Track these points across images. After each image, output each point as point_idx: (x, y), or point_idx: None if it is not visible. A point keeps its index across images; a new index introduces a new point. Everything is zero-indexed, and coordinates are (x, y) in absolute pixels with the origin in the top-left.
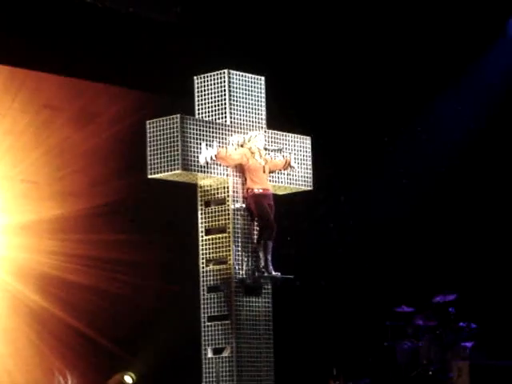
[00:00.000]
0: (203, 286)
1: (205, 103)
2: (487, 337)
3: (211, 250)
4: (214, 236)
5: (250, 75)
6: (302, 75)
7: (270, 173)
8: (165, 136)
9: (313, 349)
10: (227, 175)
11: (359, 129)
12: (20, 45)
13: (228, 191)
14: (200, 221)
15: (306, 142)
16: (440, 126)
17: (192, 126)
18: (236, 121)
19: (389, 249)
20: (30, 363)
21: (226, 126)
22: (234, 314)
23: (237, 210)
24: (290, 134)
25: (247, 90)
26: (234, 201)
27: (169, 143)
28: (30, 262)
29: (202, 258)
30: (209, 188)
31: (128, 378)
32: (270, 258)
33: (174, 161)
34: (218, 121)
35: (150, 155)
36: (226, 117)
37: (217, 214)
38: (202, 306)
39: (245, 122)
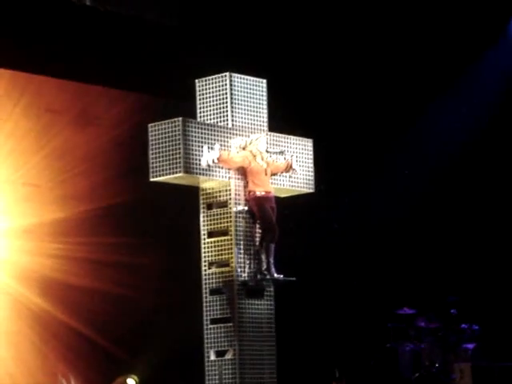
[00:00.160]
0: (206, 288)
1: (207, 106)
2: (489, 338)
3: (213, 253)
4: (216, 239)
5: (251, 78)
6: (304, 78)
7: (271, 175)
8: (167, 139)
9: (315, 351)
10: (229, 178)
11: (361, 131)
12: (21, 49)
13: (230, 194)
14: (202, 223)
15: (308, 144)
16: (441, 127)
17: (194, 129)
18: (238, 123)
19: (391, 251)
20: (32, 366)
21: (227, 128)
22: (236, 316)
23: (239, 212)
24: (292, 137)
25: (249, 93)
26: (235, 203)
27: (171, 146)
28: (32, 265)
29: (205, 261)
30: (211, 191)
31: (131, 381)
32: (272, 260)
33: (176, 164)
34: (219, 124)
35: (152, 158)
36: (227, 120)
37: (219, 216)
38: (205, 309)
39: (247, 125)
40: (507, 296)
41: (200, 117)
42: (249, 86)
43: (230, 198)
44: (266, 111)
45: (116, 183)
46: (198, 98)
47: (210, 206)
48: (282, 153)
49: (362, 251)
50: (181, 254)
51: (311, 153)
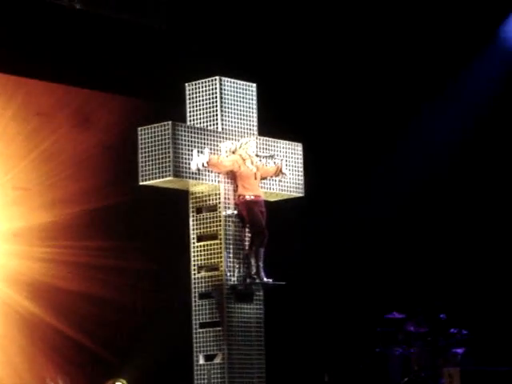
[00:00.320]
0: (195, 292)
1: (196, 110)
2: (478, 343)
3: (203, 257)
4: (205, 243)
5: (241, 82)
6: (294, 82)
7: (261, 179)
8: (156, 143)
9: (304, 355)
10: (219, 182)
11: (350, 135)
12: (10, 52)
13: (219, 198)
14: (191, 227)
15: (298, 148)
16: (432, 129)
17: (183, 133)
18: (227, 127)
19: (380, 255)
20: (20, 369)
21: (217, 132)
22: (225, 320)
23: (228, 216)
24: (282, 141)
25: (239, 97)
26: (225, 207)
27: (160, 150)
28: (21, 269)
29: (194, 265)
30: (200, 194)
31: None
32: (261, 264)
33: (166, 167)
34: (209, 127)
35: (142, 162)
36: (217, 123)
37: (208, 220)
38: (194, 313)
39: (236, 129)
40: (496, 301)
41: (190, 120)
42: (239, 90)
43: (220, 202)
44: (255, 115)
45: (105, 187)
46: (187, 101)
47: (199, 210)
48: (271, 157)
49: (352, 255)
50: (170, 257)
51: (301, 157)
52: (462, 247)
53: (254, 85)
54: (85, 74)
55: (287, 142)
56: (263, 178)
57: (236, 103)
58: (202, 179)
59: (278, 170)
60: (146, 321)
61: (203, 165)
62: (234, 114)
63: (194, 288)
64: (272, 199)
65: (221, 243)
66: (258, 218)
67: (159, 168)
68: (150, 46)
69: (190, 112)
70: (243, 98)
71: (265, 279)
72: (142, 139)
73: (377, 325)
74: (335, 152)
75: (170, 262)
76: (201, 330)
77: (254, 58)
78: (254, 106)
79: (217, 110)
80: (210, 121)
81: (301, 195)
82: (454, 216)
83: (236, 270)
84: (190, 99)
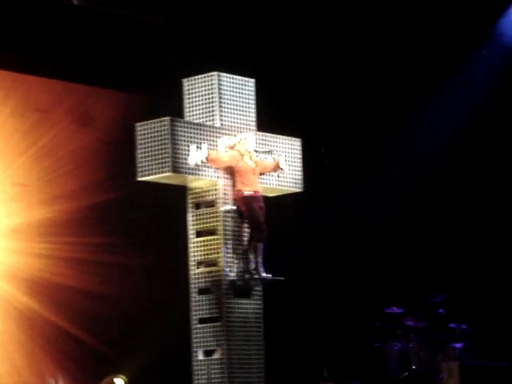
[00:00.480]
0: (194, 288)
1: (194, 105)
2: (477, 338)
3: (201, 252)
4: (204, 238)
5: (239, 77)
6: (292, 77)
7: (259, 175)
8: (154, 138)
9: (303, 350)
10: (217, 177)
11: (349, 130)
12: (8, 48)
13: (218, 193)
14: (190, 223)
15: (296, 143)
16: (430, 127)
17: (182, 129)
18: (226, 123)
19: (379, 250)
20: (19, 365)
21: (215, 128)
22: (224, 316)
23: (227, 212)
24: (280, 136)
25: (237, 92)
26: (224, 203)
27: (158, 146)
28: (19, 265)
29: (193, 260)
30: (199, 190)
31: (119, 381)
32: (260, 259)
33: (164, 163)
34: (207, 123)
35: (140, 158)
36: (215, 119)
37: (207, 216)
38: (193, 308)
39: (235, 124)
40: (495, 295)
41: (188, 116)
42: (237, 86)
43: (218, 198)
44: (254, 111)
45: (104, 182)
46: (185, 97)
47: (197, 206)
48: (270, 152)
49: (351, 250)
50: (169, 253)
51: (299, 152)
52: (462, 242)
53: (253, 80)
54: (83, 69)
55: (285, 137)
56: (262, 174)
57: (234, 99)
58: (201, 175)
59: (277, 165)
60: (144, 316)
61: (201, 160)
62: (233, 109)
63: (193, 283)
64: (270, 194)
65: (220, 239)
66: (256, 214)
67: (157, 164)
68: (148, 42)
69: (188, 107)
70: (241, 93)
71: (264, 274)
72: (140, 135)
73: (376, 319)
74: (334, 147)
75: (169, 257)
76: (200, 326)
77: (253, 53)
78: (253, 102)
79: (215, 106)
80: (209, 116)
81: (299, 190)
82: (454, 210)
83: (235, 266)
84: (188, 95)
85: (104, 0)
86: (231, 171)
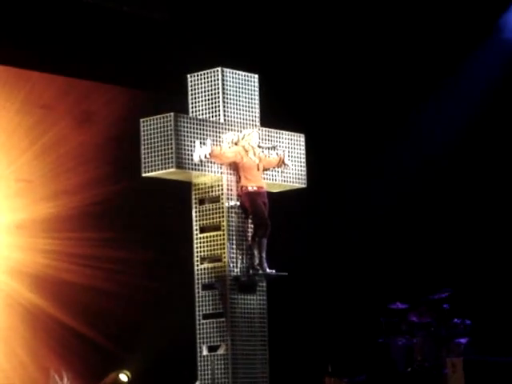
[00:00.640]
0: (198, 283)
1: (198, 101)
2: (481, 333)
3: (206, 248)
4: (208, 234)
5: (243, 73)
6: (296, 72)
7: (264, 170)
8: (159, 134)
9: (308, 346)
10: (221, 173)
11: (353, 125)
12: (13, 44)
13: (222, 189)
14: (194, 219)
15: (300, 139)
16: (433, 123)
17: (186, 124)
18: (230, 119)
19: (383, 245)
20: (24, 362)
21: (219, 123)
22: (228, 311)
23: (231, 207)
24: (284, 132)
25: (241, 88)
26: (228, 199)
27: (163, 141)
28: (24, 261)
29: (197, 256)
30: (203, 186)
31: (123, 376)
32: (264, 255)
33: (168, 159)
34: (211, 119)
35: (144, 153)
36: (219, 115)
37: (211, 211)
38: (197, 304)
39: (238, 120)
40: (499, 291)
41: (192, 112)
42: (241, 81)
43: (222, 193)
44: (257, 106)
45: (108, 178)
46: (189, 93)
47: (202, 201)
48: (274, 148)
49: (355, 245)
50: (173, 249)
51: (303, 148)
52: (466, 237)
53: (256, 76)
54: (87, 65)
55: (289, 132)
56: (266, 169)
57: (238, 94)
58: (205, 170)
59: (281, 160)
60: (149, 312)
61: (205, 156)
62: (237, 105)
63: (197, 279)
64: (274, 190)
65: (224, 234)
66: (260, 209)
67: (162, 159)
68: (152, 37)
69: (192, 103)
70: (245, 89)
71: (268, 270)
72: (144, 131)
73: (380, 315)
74: (338, 142)
75: (174, 253)
76: (204, 321)
77: (256, 49)
78: (257, 97)
79: (219, 101)
80: (213, 112)
81: (303, 186)
82: (457, 205)
83: (239, 261)
84: (192, 90)
85: None
86: (235, 167)
